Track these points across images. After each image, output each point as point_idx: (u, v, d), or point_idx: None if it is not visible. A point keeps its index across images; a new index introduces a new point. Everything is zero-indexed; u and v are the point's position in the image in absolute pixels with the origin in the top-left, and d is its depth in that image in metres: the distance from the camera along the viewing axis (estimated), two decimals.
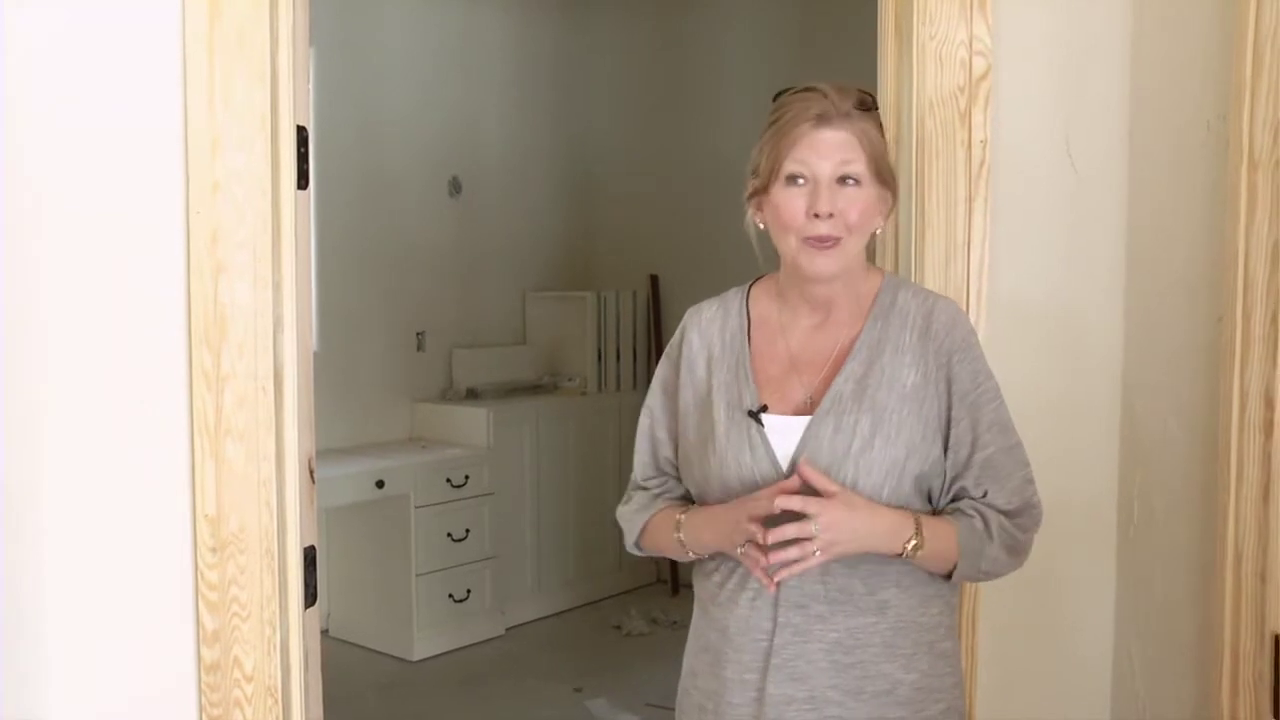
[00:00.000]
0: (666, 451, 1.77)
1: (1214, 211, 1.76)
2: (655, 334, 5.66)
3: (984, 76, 1.95)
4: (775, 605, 1.58)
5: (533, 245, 5.63)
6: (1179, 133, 1.89)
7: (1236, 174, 1.67)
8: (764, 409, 1.61)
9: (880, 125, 1.62)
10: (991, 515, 1.58)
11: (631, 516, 1.79)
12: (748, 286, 1.76)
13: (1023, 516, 1.60)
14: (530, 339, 5.62)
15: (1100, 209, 2.02)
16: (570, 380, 5.48)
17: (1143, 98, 1.98)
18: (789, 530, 1.47)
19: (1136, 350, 2.01)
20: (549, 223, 5.70)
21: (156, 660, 1.81)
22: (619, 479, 5.46)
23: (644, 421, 1.79)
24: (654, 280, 5.68)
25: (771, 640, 1.58)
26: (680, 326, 1.77)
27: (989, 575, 1.62)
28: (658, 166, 5.62)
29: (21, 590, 1.78)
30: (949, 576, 1.60)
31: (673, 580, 5.52)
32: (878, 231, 1.64)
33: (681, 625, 5.00)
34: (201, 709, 1.79)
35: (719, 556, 1.65)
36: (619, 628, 5.01)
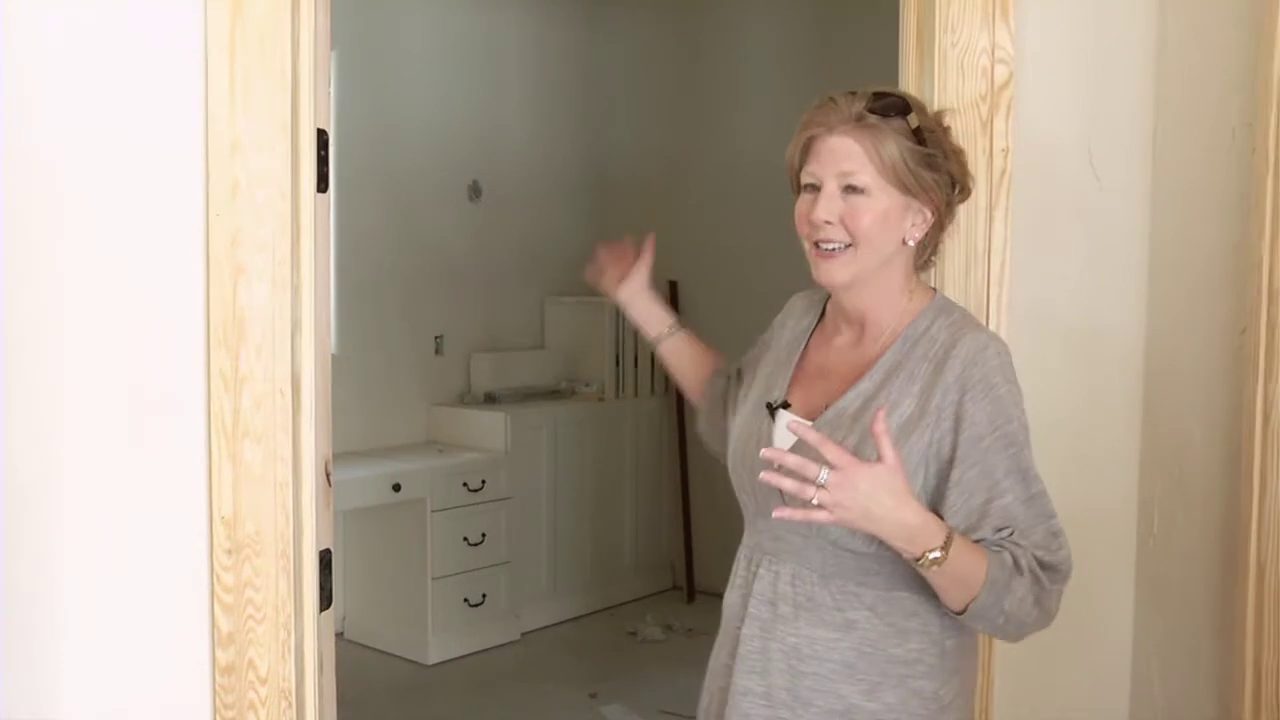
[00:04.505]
0: (731, 376, 1.89)
1: (1238, 220, 1.75)
2: None
3: (1006, 84, 1.93)
4: (748, 596, 1.61)
5: (552, 250, 5.62)
6: (1203, 140, 1.87)
7: (1262, 182, 1.66)
8: (785, 405, 1.62)
9: (910, 130, 1.53)
10: (1021, 553, 1.46)
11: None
12: None
13: (1048, 571, 1.48)
14: (548, 344, 5.62)
15: (1122, 217, 2.01)
16: (588, 386, 5.47)
17: (1167, 105, 1.97)
18: (790, 460, 1.40)
19: (1158, 359, 1.99)
20: (568, 228, 5.69)
21: (171, 662, 1.81)
22: (635, 484, 5.46)
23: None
24: (672, 286, 5.67)
25: (740, 629, 1.61)
26: (788, 304, 1.82)
27: (1010, 619, 1.47)
28: (677, 172, 5.61)
29: (36, 592, 1.79)
30: (963, 612, 1.47)
31: (688, 587, 5.51)
32: (910, 242, 1.57)
33: (697, 632, 4.99)
34: (215, 711, 1.79)
35: (742, 543, 1.69)
36: (634, 634, 5.00)
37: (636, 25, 5.75)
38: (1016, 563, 1.46)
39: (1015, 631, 1.50)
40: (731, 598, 1.67)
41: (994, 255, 1.94)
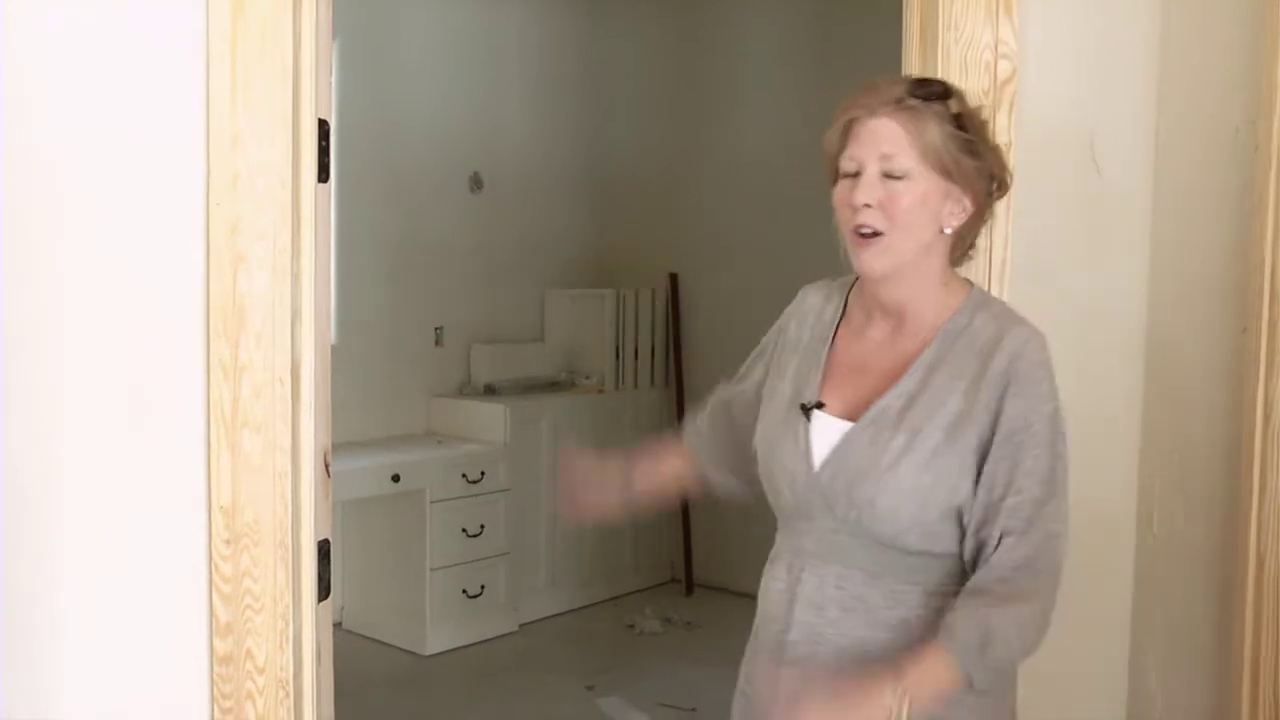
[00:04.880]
0: (735, 395, 1.80)
1: (1240, 218, 1.74)
2: (674, 332, 5.65)
3: (1009, 80, 1.93)
4: (793, 601, 1.57)
5: (553, 242, 5.62)
6: (1206, 138, 1.87)
7: (1264, 182, 1.66)
8: (819, 406, 1.59)
9: (951, 115, 1.51)
10: (993, 613, 1.44)
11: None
12: (854, 279, 1.69)
13: (1029, 575, 1.46)
14: (549, 336, 5.62)
15: (1125, 214, 2.00)
16: (588, 378, 5.47)
17: (1169, 102, 1.97)
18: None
19: (1158, 357, 1.99)
20: (569, 220, 5.69)
21: (169, 651, 1.81)
22: None
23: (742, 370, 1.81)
24: (673, 278, 5.67)
25: (785, 635, 1.58)
26: (797, 299, 1.75)
27: (1007, 659, 1.49)
28: (679, 164, 5.61)
29: (36, 585, 1.79)
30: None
31: (687, 580, 5.51)
32: (947, 230, 1.55)
33: (695, 625, 5.00)
34: (213, 700, 1.79)
35: (778, 546, 1.66)
36: (632, 626, 5.00)
37: (638, 20, 5.74)
38: (987, 633, 1.44)
39: (1026, 655, 1.52)
40: (772, 602, 1.62)
41: (995, 252, 1.94)
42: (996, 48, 1.92)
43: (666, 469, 1.88)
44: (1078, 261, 2.02)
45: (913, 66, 2.04)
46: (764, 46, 5.35)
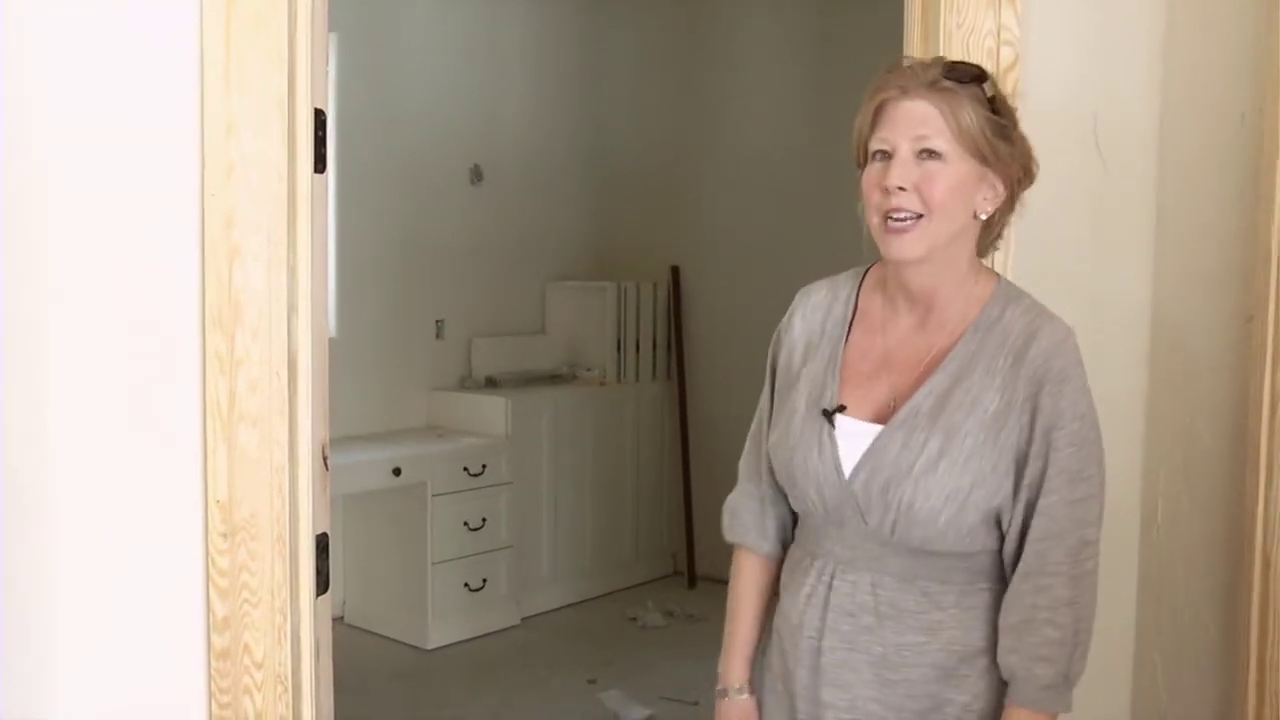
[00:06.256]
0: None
1: (1245, 206, 1.73)
2: (675, 325, 5.64)
3: (1011, 67, 1.91)
4: (825, 608, 1.55)
5: (554, 235, 5.61)
6: (1211, 124, 1.85)
7: (1272, 168, 1.64)
8: (841, 409, 1.54)
9: (986, 98, 1.47)
10: (1063, 649, 1.47)
11: (737, 530, 1.71)
12: (863, 272, 1.64)
13: (1068, 585, 1.46)
14: (550, 329, 5.61)
15: (1128, 203, 1.99)
16: (589, 370, 5.46)
17: (1174, 88, 1.95)
18: None
19: (1163, 347, 1.98)
20: (570, 212, 5.68)
21: (166, 647, 1.80)
22: (636, 470, 5.45)
23: (758, 412, 1.71)
24: (675, 271, 5.66)
25: (819, 641, 1.55)
26: (790, 308, 1.67)
27: (1085, 645, 1.50)
28: (680, 157, 5.59)
29: (30, 583, 1.78)
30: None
31: (689, 573, 5.50)
32: (981, 216, 1.51)
33: (698, 619, 4.99)
34: (211, 695, 1.78)
35: (802, 549, 1.62)
36: (635, 619, 5.00)
37: (638, 13, 5.73)
38: (1067, 672, 1.48)
39: (1088, 633, 1.52)
40: (800, 608, 1.58)
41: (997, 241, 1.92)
42: (999, 34, 1.90)
43: (764, 602, 1.72)
44: (1081, 250, 2.00)
45: (914, 52, 2.02)
46: (765, 40, 5.33)
